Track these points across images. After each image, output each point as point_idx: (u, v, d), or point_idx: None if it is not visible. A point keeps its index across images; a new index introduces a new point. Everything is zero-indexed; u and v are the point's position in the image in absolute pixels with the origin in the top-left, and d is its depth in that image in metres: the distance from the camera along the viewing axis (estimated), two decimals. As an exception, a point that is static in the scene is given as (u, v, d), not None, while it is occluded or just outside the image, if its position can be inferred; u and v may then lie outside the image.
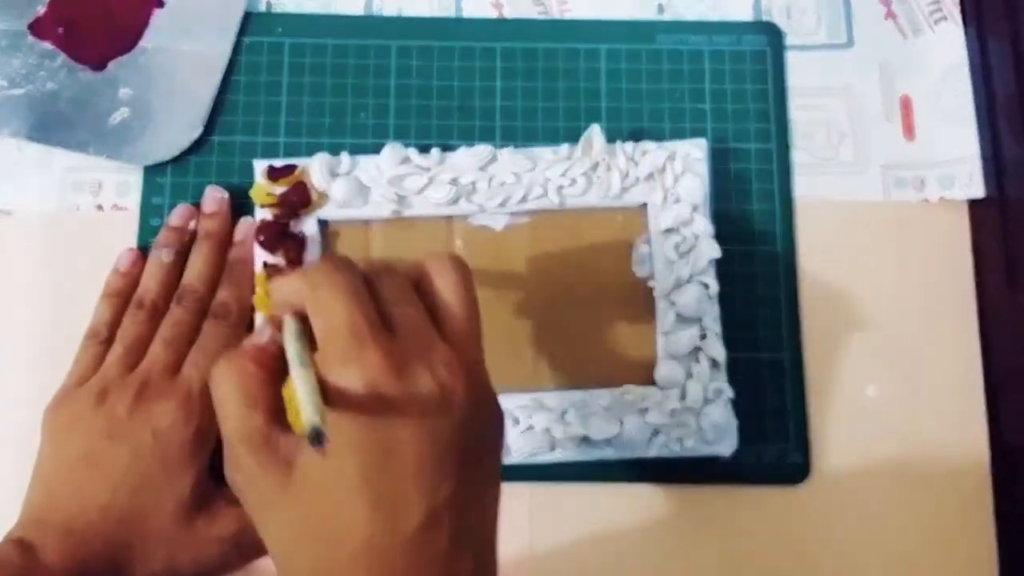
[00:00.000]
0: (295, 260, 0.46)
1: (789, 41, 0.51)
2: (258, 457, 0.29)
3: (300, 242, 0.46)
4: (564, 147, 0.47)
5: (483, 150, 0.47)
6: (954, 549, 0.46)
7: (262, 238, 0.46)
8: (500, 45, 0.50)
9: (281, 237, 0.46)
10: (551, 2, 0.52)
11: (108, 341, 0.44)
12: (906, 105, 0.51)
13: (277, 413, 0.30)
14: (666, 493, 0.46)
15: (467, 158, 0.47)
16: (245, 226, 0.47)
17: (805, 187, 0.49)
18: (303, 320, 0.31)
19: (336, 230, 0.47)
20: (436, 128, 0.49)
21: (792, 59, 0.51)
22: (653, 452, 0.45)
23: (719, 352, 0.45)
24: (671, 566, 0.45)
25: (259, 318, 0.45)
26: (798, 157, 0.50)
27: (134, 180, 0.49)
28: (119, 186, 0.49)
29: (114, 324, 0.45)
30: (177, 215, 0.47)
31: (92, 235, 0.48)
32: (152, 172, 0.48)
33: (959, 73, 0.50)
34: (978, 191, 0.48)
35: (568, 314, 0.47)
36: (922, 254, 0.49)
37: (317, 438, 0.26)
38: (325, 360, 0.30)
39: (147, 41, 0.50)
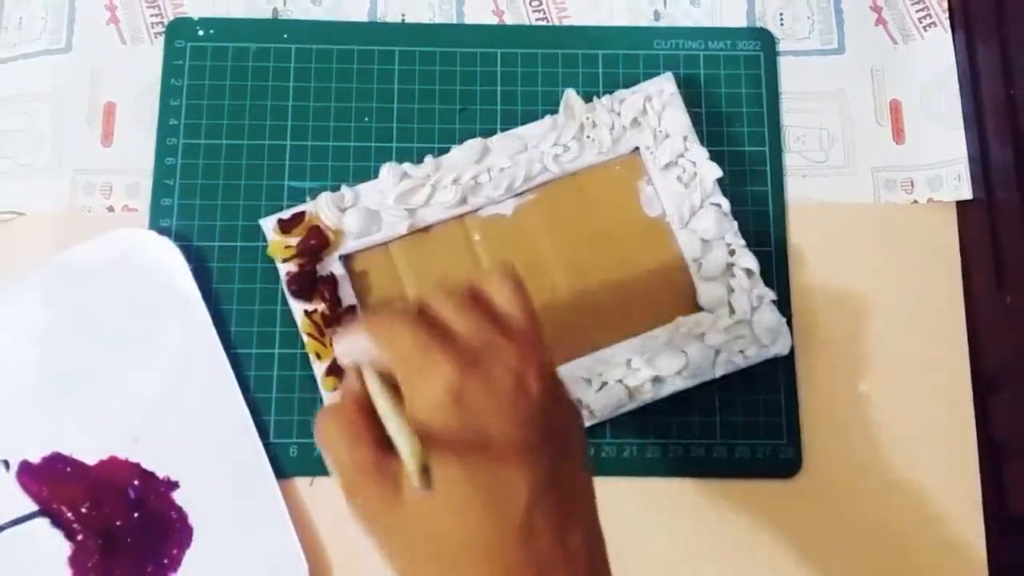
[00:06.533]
0: (333, 300, 0.46)
1: (782, 47, 0.52)
2: (371, 480, 0.31)
3: (332, 282, 0.47)
4: (547, 118, 0.49)
5: (474, 143, 0.48)
6: (942, 541, 0.47)
7: (295, 288, 0.46)
8: (500, 50, 0.52)
9: (313, 283, 0.46)
10: (550, 9, 0.53)
11: None
12: (896, 109, 0.52)
13: (381, 441, 0.31)
14: (663, 486, 0.47)
15: (461, 155, 0.48)
16: None
17: (797, 189, 0.51)
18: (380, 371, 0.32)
19: (360, 260, 0.48)
20: (438, 131, 0.50)
21: (785, 64, 0.52)
22: (720, 371, 0.46)
23: (751, 262, 0.47)
24: (667, 557, 0.46)
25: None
26: (790, 160, 0.51)
27: (145, 183, 0.49)
28: (129, 188, 0.50)
29: None
30: None
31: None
32: (162, 174, 0.49)
33: (948, 78, 0.51)
34: (966, 193, 0.50)
35: (600, 271, 0.48)
36: (911, 254, 0.50)
37: (425, 484, 0.29)
38: (406, 382, 0.31)
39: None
